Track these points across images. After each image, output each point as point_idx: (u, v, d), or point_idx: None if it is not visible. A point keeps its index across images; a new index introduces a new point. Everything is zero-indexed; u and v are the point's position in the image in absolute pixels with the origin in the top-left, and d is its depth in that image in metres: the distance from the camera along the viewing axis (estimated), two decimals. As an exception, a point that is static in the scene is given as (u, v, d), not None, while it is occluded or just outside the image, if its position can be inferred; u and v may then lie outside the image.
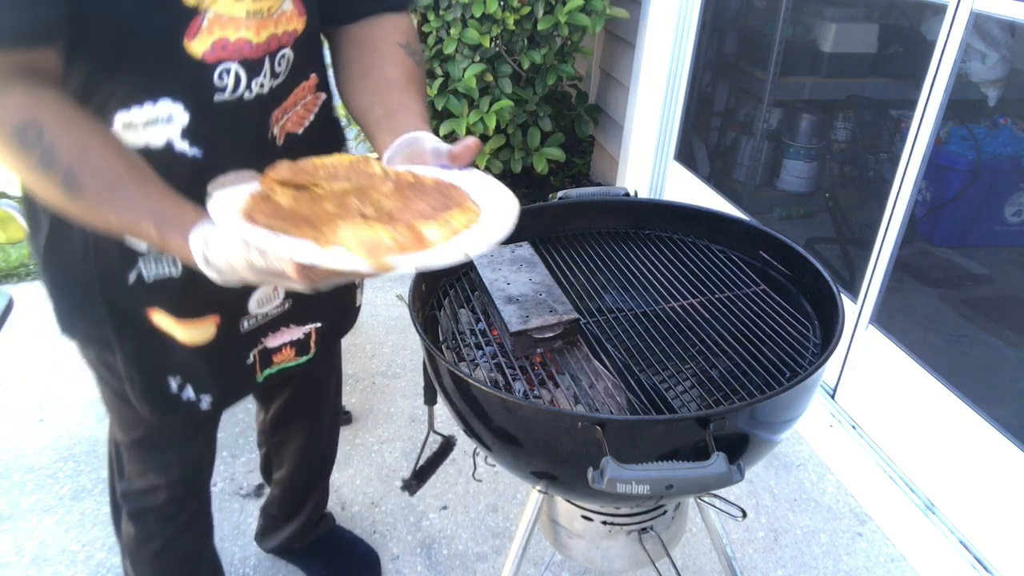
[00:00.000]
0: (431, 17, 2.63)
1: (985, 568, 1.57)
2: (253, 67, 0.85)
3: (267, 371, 1.10)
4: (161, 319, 0.95)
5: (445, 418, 1.14)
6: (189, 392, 1.02)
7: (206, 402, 1.04)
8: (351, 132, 3.23)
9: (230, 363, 1.04)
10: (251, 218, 0.67)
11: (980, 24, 1.75)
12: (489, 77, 2.70)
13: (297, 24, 0.89)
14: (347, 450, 1.94)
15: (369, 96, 0.93)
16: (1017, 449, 1.54)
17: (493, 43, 2.70)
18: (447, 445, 1.22)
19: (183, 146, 0.84)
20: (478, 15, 2.54)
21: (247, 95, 0.86)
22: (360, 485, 1.84)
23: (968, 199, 2.10)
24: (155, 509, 1.17)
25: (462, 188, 0.75)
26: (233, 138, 0.88)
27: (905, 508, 1.75)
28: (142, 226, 0.72)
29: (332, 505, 1.69)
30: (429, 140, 0.83)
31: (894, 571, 1.65)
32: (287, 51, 0.89)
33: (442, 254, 0.64)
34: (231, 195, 0.71)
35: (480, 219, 0.70)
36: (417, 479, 1.19)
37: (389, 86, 0.93)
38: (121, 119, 0.80)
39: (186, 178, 0.80)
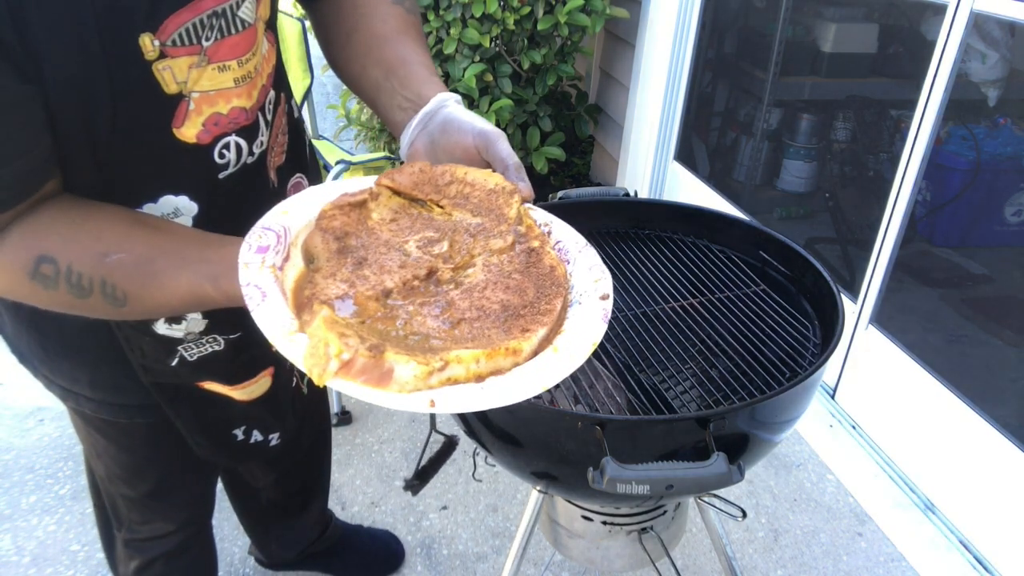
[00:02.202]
0: (431, 17, 2.63)
1: (985, 568, 1.57)
2: (251, 131, 0.77)
3: (306, 380, 1.09)
4: (214, 387, 0.91)
5: (445, 418, 1.14)
6: (257, 435, 0.99)
7: (275, 439, 1.02)
8: (351, 132, 3.23)
9: (286, 396, 1.02)
10: (320, 227, 0.60)
11: (980, 24, 1.75)
12: (489, 77, 2.70)
13: (273, 59, 0.80)
14: (347, 450, 1.94)
15: (360, 60, 0.82)
16: (1017, 449, 1.54)
17: (493, 43, 2.70)
18: (449, 445, 1.22)
19: None
20: (478, 15, 2.54)
21: (250, 160, 0.79)
22: (360, 485, 1.84)
23: (968, 199, 2.10)
24: (166, 554, 1.14)
25: (572, 285, 0.61)
26: (247, 208, 0.79)
27: (905, 508, 1.75)
28: (200, 295, 0.63)
29: (332, 505, 1.69)
30: (464, 116, 0.72)
31: (894, 571, 1.65)
32: (271, 92, 0.81)
33: (395, 400, 0.49)
34: (326, 192, 0.64)
35: (503, 373, 0.53)
36: (420, 479, 1.19)
37: (380, 43, 0.82)
38: None
39: None
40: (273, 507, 1.42)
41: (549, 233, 0.68)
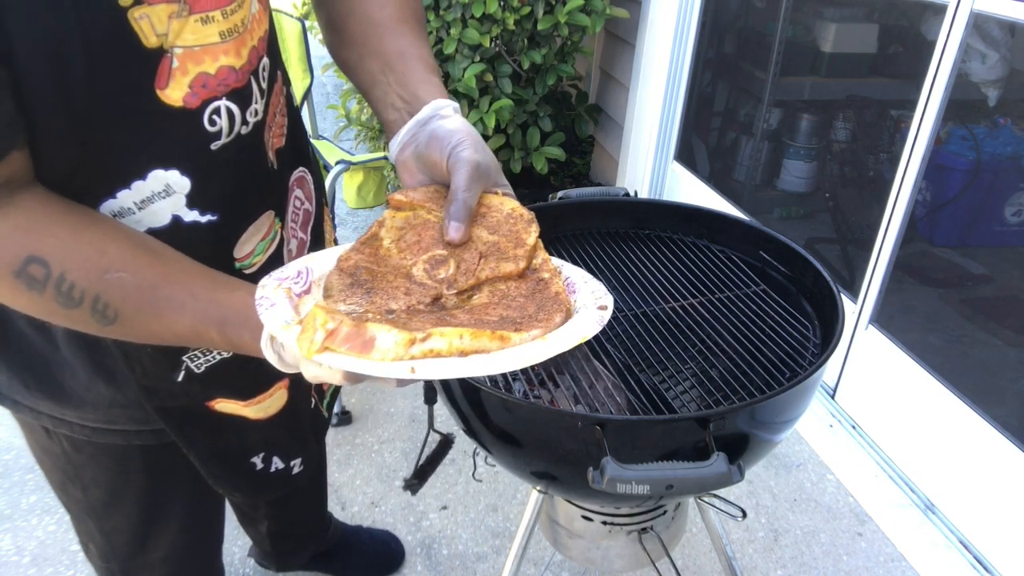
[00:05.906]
0: (431, 17, 2.63)
1: (985, 568, 1.57)
2: (243, 96, 0.70)
3: (325, 403, 1.05)
4: (227, 406, 0.84)
5: (444, 417, 1.14)
6: (277, 462, 0.93)
7: (297, 466, 0.96)
8: (351, 132, 3.23)
9: (305, 416, 0.97)
10: (339, 268, 0.63)
11: (980, 24, 1.75)
12: (489, 77, 2.71)
13: (265, 23, 0.74)
14: (347, 450, 1.94)
15: (356, 48, 0.78)
16: (1017, 449, 1.54)
17: (493, 43, 2.70)
18: (446, 443, 1.22)
19: (193, 216, 0.70)
20: (478, 15, 2.54)
21: (244, 130, 0.71)
22: (360, 485, 1.84)
23: (968, 199, 2.10)
24: None
25: (577, 308, 0.63)
26: (245, 185, 0.75)
27: (905, 508, 1.75)
28: (201, 334, 0.62)
29: (332, 505, 1.69)
30: (450, 132, 0.68)
31: (894, 571, 1.65)
32: (265, 59, 0.74)
33: (378, 368, 0.52)
34: (348, 246, 0.66)
35: (490, 351, 0.55)
36: (418, 478, 1.19)
37: (378, 31, 0.77)
38: (109, 209, 0.65)
39: (208, 248, 0.69)
40: (274, 536, 1.43)
41: (560, 273, 0.70)
